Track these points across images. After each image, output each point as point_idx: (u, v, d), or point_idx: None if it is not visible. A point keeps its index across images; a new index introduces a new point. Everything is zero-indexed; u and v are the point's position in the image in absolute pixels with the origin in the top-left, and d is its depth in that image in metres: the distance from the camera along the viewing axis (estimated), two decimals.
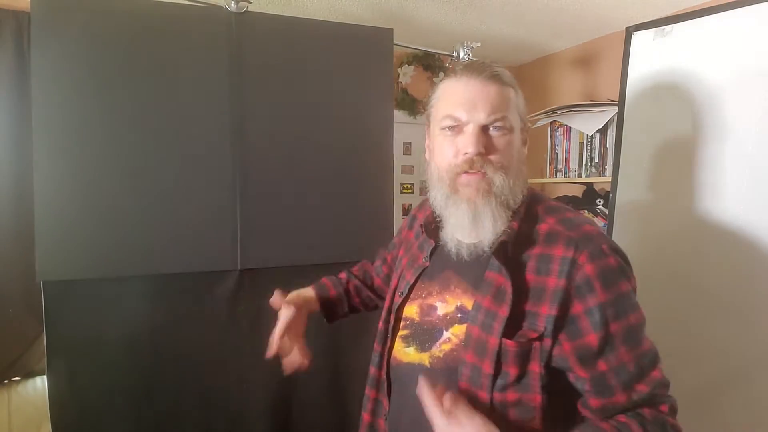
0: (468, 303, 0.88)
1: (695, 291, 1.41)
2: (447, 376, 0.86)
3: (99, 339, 1.48)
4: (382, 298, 1.14)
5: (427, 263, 0.97)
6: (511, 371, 0.81)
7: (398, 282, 1.03)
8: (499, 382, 0.81)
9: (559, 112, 2.45)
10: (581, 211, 2.39)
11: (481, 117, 0.85)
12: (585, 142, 2.38)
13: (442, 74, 2.93)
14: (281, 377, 1.73)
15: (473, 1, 2.12)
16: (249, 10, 1.62)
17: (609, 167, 2.23)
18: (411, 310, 0.96)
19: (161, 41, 1.54)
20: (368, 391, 1.02)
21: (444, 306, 0.91)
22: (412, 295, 0.97)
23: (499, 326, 0.81)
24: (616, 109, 1.70)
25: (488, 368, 0.81)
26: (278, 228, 1.67)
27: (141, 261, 1.52)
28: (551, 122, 2.55)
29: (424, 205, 1.11)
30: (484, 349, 0.82)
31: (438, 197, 0.91)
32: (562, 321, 0.81)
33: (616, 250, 0.84)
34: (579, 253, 0.81)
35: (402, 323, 0.97)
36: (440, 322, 0.91)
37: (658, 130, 1.51)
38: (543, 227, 0.87)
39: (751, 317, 1.30)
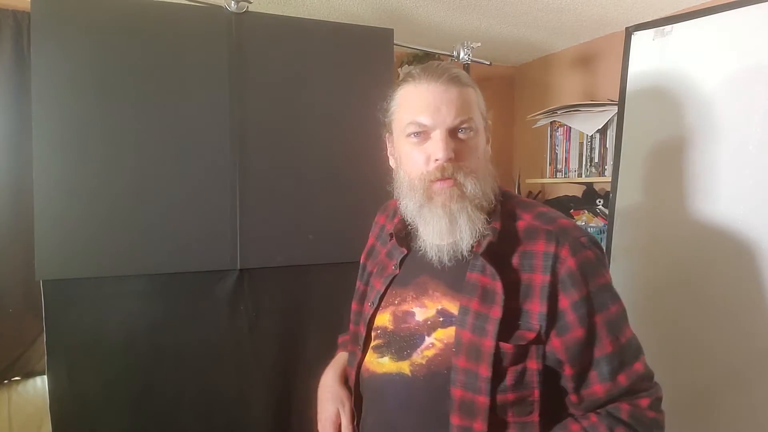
0: (450, 306, 0.86)
1: (695, 291, 1.41)
2: (431, 382, 0.85)
3: (99, 338, 1.48)
4: None
5: (397, 271, 0.95)
6: (509, 372, 0.80)
7: (367, 292, 1.01)
8: (500, 385, 0.80)
9: (559, 112, 2.45)
10: (581, 211, 2.40)
11: (448, 121, 0.84)
12: (585, 142, 2.38)
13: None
14: (281, 377, 1.73)
15: (473, 1, 2.11)
16: (249, 10, 1.62)
17: (609, 167, 2.23)
18: (383, 319, 0.93)
19: (161, 41, 1.54)
20: None
21: (423, 311, 0.89)
22: (383, 304, 0.95)
23: (493, 328, 0.80)
24: (616, 109, 1.70)
25: (485, 372, 0.79)
26: (278, 228, 1.67)
27: (141, 260, 1.52)
28: (551, 122, 2.55)
29: (388, 211, 1.09)
30: (479, 353, 0.80)
31: (410, 206, 0.90)
32: (552, 317, 0.81)
33: (594, 242, 0.85)
34: (560, 247, 0.81)
35: (374, 333, 0.94)
36: (420, 327, 0.88)
37: (658, 130, 1.51)
38: (521, 224, 0.87)
39: (751, 319, 1.30)
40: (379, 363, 0.92)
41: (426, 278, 0.91)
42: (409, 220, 0.92)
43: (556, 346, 0.81)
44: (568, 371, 0.81)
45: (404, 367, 0.88)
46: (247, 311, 1.64)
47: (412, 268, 0.93)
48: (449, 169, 0.84)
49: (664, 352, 1.49)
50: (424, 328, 0.88)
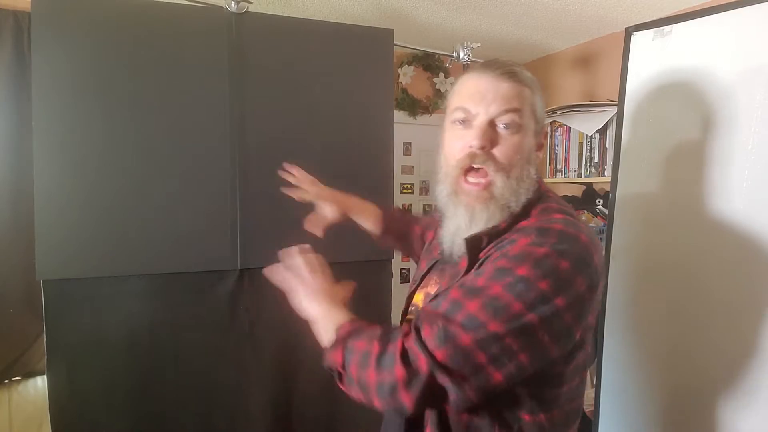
0: None
1: (695, 290, 1.41)
2: None
3: (99, 338, 1.48)
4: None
5: (440, 256, 0.97)
6: None
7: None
8: None
9: (558, 112, 2.45)
10: (581, 211, 2.39)
11: (491, 109, 0.83)
12: (585, 142, 2.38)
13: (441, 75, 2.94)
14: (280, 377, 1.74)
15: (473, 1, 2.12)
16: (249, 10, 1.62)
17: (608, 167, 2.23)
18: (419, 298, 1.00)
19: (161, 41, 1.54)
20: None
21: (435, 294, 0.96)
22: (422, 284, 1.00)
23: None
24: (615, 109, 1.70)
25: None
26: (278, 227, 1.66)
27: (141, 260, 1.52)
28: (551, 122, 2.55)
29: None
30: None
31: (442, 193, 0.91)
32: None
33: (563, 253, 0.75)
34: (523, 235, 0.79)
35: (411, 308, 1.01)
36: None
37: (657, 130, 1.51)
38: (524, 223, 0.84)
39: (752, 315, 1.30)
40: None
41: (446, 265, 0.95)
42: (439, 206, 0.93)
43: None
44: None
45: None
46: (247, 311, 1.64)
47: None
48: (480, 157, 0.84)
49: (664, 350, 1.49)
50: None
